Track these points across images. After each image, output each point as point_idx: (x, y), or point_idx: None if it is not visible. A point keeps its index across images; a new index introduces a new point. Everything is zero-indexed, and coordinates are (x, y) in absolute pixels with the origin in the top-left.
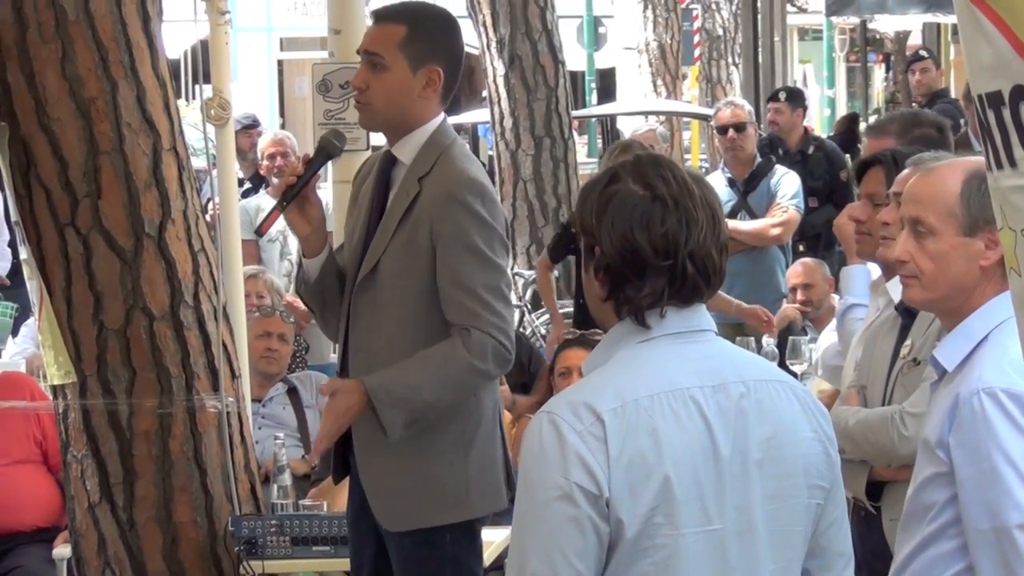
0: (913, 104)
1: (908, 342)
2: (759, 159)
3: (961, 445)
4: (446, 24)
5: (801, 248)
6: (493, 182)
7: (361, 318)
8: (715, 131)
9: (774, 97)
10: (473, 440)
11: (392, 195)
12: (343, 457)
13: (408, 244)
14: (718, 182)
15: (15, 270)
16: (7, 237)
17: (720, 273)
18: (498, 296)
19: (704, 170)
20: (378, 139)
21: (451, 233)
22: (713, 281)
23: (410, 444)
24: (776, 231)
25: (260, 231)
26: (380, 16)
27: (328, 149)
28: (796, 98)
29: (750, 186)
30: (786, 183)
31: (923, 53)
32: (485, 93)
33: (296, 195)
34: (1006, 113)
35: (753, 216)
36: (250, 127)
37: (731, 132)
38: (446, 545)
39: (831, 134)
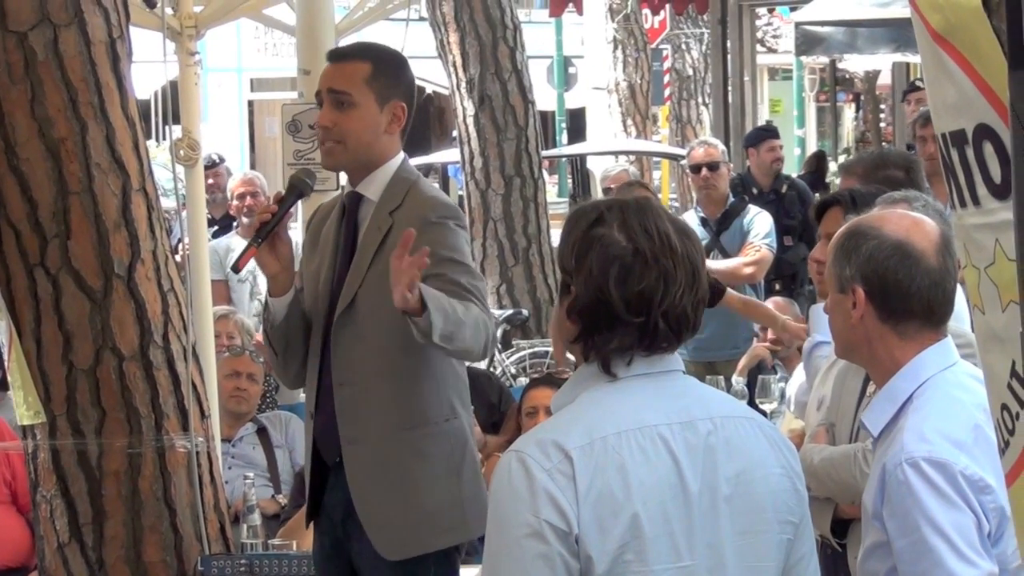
0: (884, 144)
1: None
2: (732, 199)
3: (892, 517)
4: (403, 61)
5: (777, 287)
6: None
7: (344, 353)
8: (688, 170)
9: (776, 134)
10: (463, 462)
11: (362, 232)
12: (315, 500)
13: (386, 274)
14: (691, 221)
15: None
16: None
17: (693, 328)
18: (483, 294)
19: (674, 209)
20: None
21: (432, 248)
22: (684, 336)
23: (404, 473)
24: (749, 270)
25: (237, 268)
26: (341, 55)
27: (300, 187)
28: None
29: (723, 225)
30: (759, 222)
31: (919, 83)
32: (455, 133)
33: (270, 232)
34: (969, 152)
35: (726, 255)
36: (208, 167)
37: (704, 171)
38: (431, 573)
39: (801, 173)
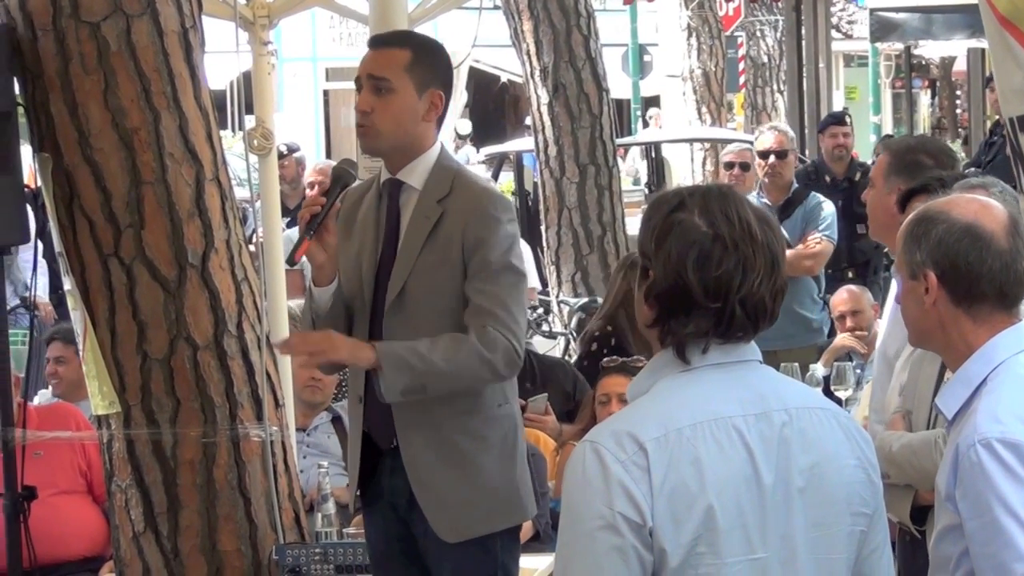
0: (960, 130)
1: None
2: (795, 186)
3: (964, 498)
4: (442, 50)
5: (850, 275)
6: (537, 210)
7: (396, 340)
8: (756, 155)
9: (840, 120)
10: (515, 445)
11: (407, 219)
12: (364, 484)
13: (441, 264)
14: None
15: (59, 301)
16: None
17: (771, 318)
18: (520, 306)
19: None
20: None
21: (487, 249)
22: (761, 325)
23: (464, 456)
24: (808, 263)
25: (293, 260)
26: (382, 41)
27: (344, 178)
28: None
29: (784, 213)
30: (820, 212)
31: None
32: (529, 121)
33: (321, 223)
34: None
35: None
36: (282, 156)
37: (772, 158)
38: (497, 551)
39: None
